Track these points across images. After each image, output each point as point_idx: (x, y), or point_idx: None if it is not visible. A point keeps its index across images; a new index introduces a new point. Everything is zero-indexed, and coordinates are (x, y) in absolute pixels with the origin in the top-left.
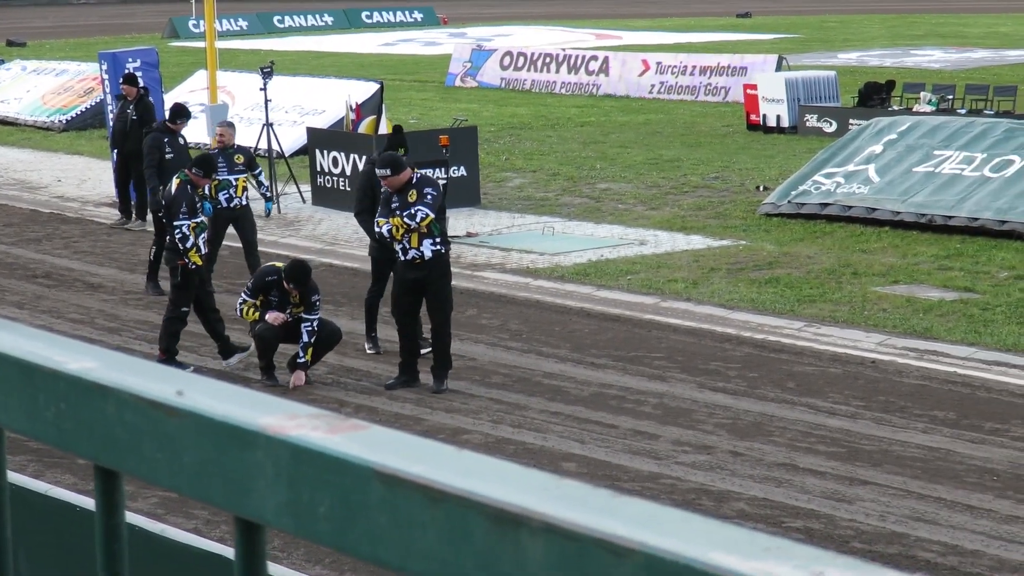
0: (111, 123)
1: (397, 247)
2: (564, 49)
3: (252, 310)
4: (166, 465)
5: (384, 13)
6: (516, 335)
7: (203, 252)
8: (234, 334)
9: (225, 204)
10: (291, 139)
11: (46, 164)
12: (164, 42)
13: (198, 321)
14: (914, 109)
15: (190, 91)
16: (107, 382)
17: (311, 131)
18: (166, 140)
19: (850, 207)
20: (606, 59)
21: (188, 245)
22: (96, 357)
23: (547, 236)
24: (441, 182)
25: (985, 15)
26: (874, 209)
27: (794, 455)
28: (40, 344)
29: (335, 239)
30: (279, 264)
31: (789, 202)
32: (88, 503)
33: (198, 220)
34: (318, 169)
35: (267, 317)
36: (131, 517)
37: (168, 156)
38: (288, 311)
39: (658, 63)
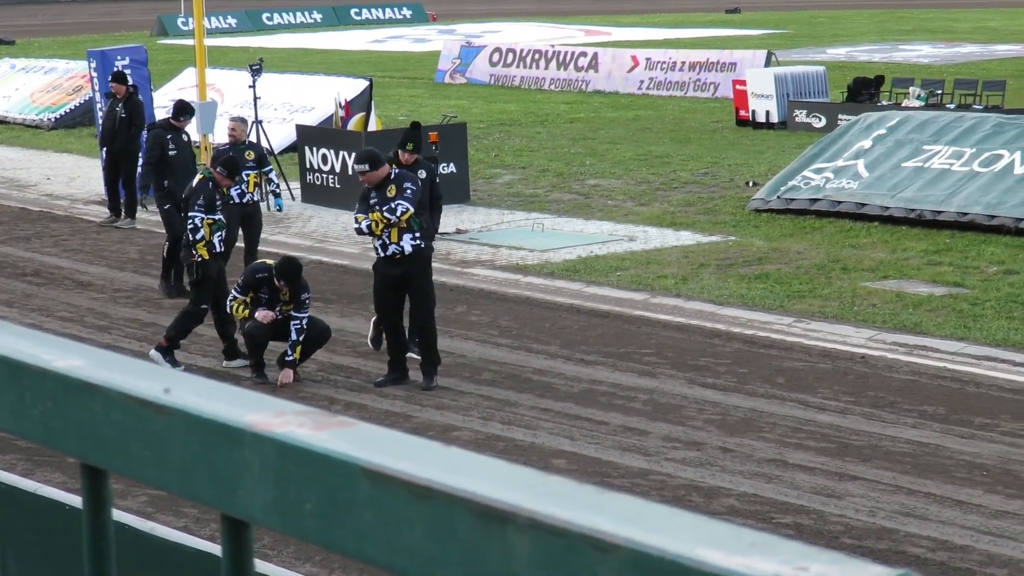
0: (100, 121)
1: (377, 243)
2: (553, 45)
3: (242, 307)
4: (153, 463)
5: (373, 10)
6: (506, 332)
7: (219, 251)
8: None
9: (237, 199)
10: (280, 136)
11: (35, 162)
12: (153, 40)
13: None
14: (903, 104)
15: (179, 89)
16: (94, 380)
17: (300, 128)
18: (169, 137)
19: (839, 202)
20: (595, 55)
21: (197, 237)
22: (83, 355)
23: (536, 232)
24: None
25: (974, 10)
26: (863, 204)
27: (784, 451)
28: (27, 342)
29: (324, 236)
30: (269, 261)
31: (778, 197)
32: (77, 501)
33: (215, 217)
34: (307, 166)
35: (256, 315)
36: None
37: (172, 152)
38: (278, 309)
39: (647, 59)
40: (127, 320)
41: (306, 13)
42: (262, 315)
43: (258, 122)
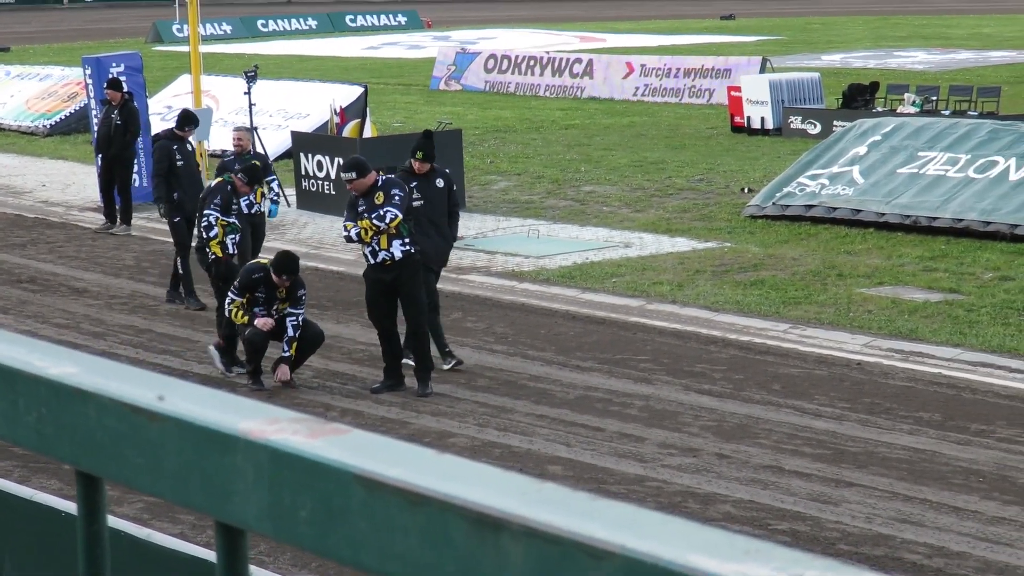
0: (95, 128)
1: (367, 250)
2: (548, 52)
3: (240, 312)
4: (147, 470)
5: (368, 17)
6: (502, 338)
7: (231, 252)
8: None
9: (246, 210)
10: (275, 143)
11: (30, 169)
12: (148, 47)
13: (195, 327)
14: (898, 110)
15: (174, 95)
16: (88, 387)
17: (295, 135)
18: (175, 148)
19: (835, 209)
20: (590, 62)
21: (212, 235)
22: (77, 362)
23: (532, 239)
24: None
25: (968, 16)
26: (859, 211)
27: (780, 457)
28: (21, 349)
29: (320, 243)
30: (263, 261)
31: (774, 204)
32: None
33: (230, 220)
34: (303, 173)
35: (256, 323)
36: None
37: (179, 163)
38: (274, 308)
39: (642, 65)
40: (122, 326)
41: (301, 20)
42: (262, 323)
43: (253, 129)
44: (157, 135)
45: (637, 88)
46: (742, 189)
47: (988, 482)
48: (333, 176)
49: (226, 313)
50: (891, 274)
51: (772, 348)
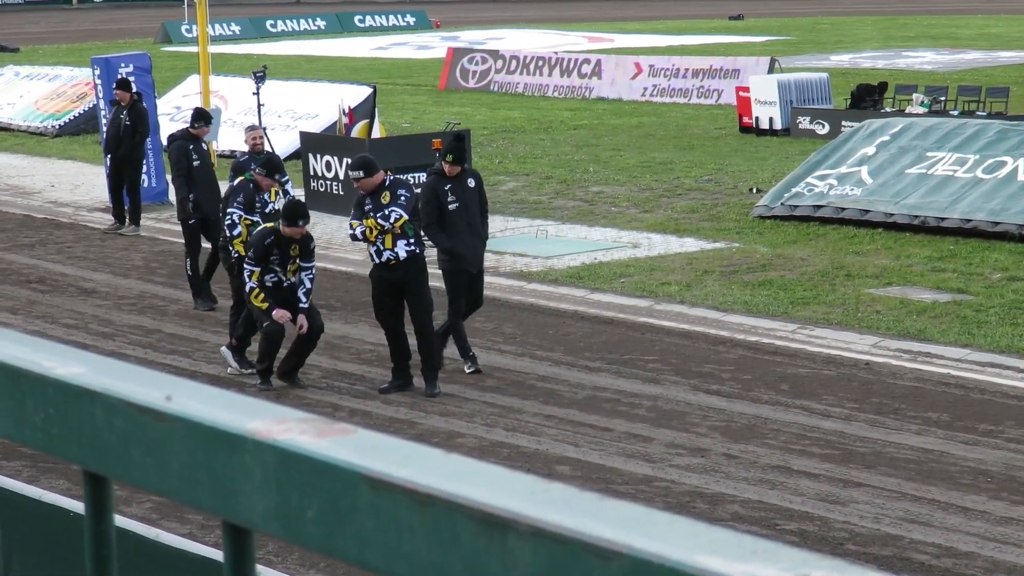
0: (104, 128)
1: (372, 249)
2: (556, 52)
3: (261, 294)
4: (154, 470)
5: (377, 17)
6: (510, 338)
7: (268, 287)
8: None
9: (260, 209)
10: (284, 143)
11: (39, 169)
12: (157, 47)
13: (204, 327)
14: (907, 111)
15: (183, 96)
16: (95, 387)
17: (304, 135)
18: (191, 147)
19: (843, 209)
20: (599, 62)
21: (234, 233)
22: (84, 362)
23: (540, 239)
24: None
25: (977, 16)
26: (867, 211)
27: (788, 457)
28: (28, 349)
29: (329, 243)
30: (269, 225)
31: (782, 204)
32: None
33: (253, 218)
34: (311, 173)
35: (274, 315)
36: (125, 522)
37: (195, 163)
38: (290, 266)
39: (651, 66)
40: (131, 327)
41: (310, 20)
42: (279, 315)
43: (262, 129)
44: (173, 135)
45: (645, 88)
46: (750, 189)
47: (996, 482)
48: (342, 176)
49: (247, 293)
50: (899, 274)
51: (780, 348)
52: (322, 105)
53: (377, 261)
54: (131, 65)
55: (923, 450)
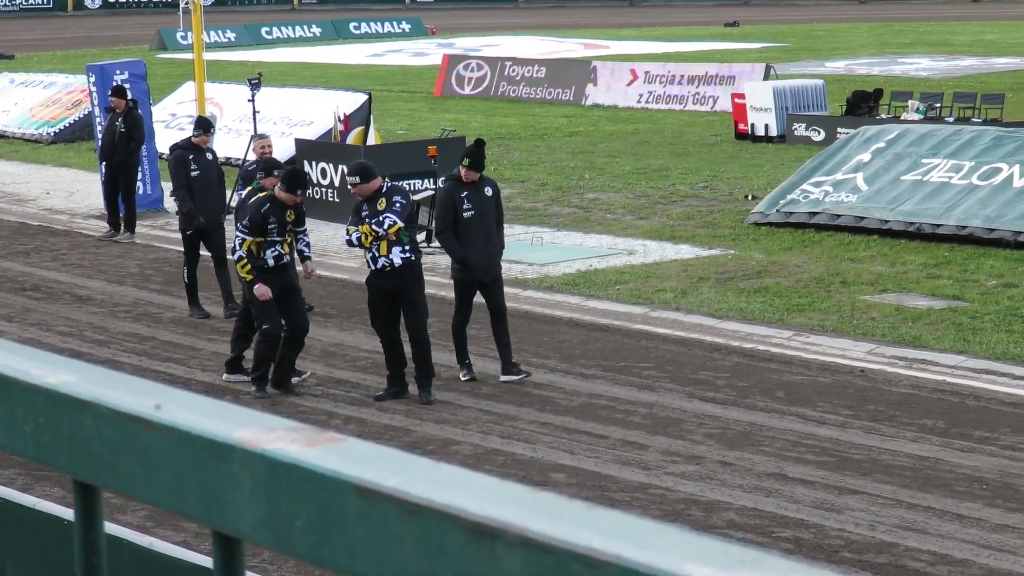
0: (99, 135)
1: (367, 255)
2: (552, 59)
3: (248, 264)
4: (143, 479)
5: (372, 24)
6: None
7: (270, 265)
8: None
9: (276, 229)
10: (279, 150)
11: (34, 176)
12: (152, 54)
13: (199, 335)
14: (902, 117)
15: (178, 103)
16: (85, 396)
17: (299, 142)
18: (191, 157)
19: (838, 216)
20: (594, 68)
21: (234, 258)
22: (75, 371)
23: (536, 246)
24: (429, 192)
25: (972, 23)
26: (862, 218)
27: (783, 464)
28: (18, 358)
29: (324, 250)
30: (262, 194)
31: (778, 211)
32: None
33: (266, 239)
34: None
35: (256, 291)
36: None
37: (194, 173)
38: (285, 237)
39: (646, 72)
40: (126, 334)
41: (305, 27)
42: (260, 290)
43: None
44: (174, 145)
45: (641, 95)
46: (746, 196)
47: (991, 489)
48: (337, 183)
49: (235, 260)
50: (895, 281)
51: (776, 355)
52: (317, 112)
53: (373, 268)
54: (126, 72)
55: (918, 457)
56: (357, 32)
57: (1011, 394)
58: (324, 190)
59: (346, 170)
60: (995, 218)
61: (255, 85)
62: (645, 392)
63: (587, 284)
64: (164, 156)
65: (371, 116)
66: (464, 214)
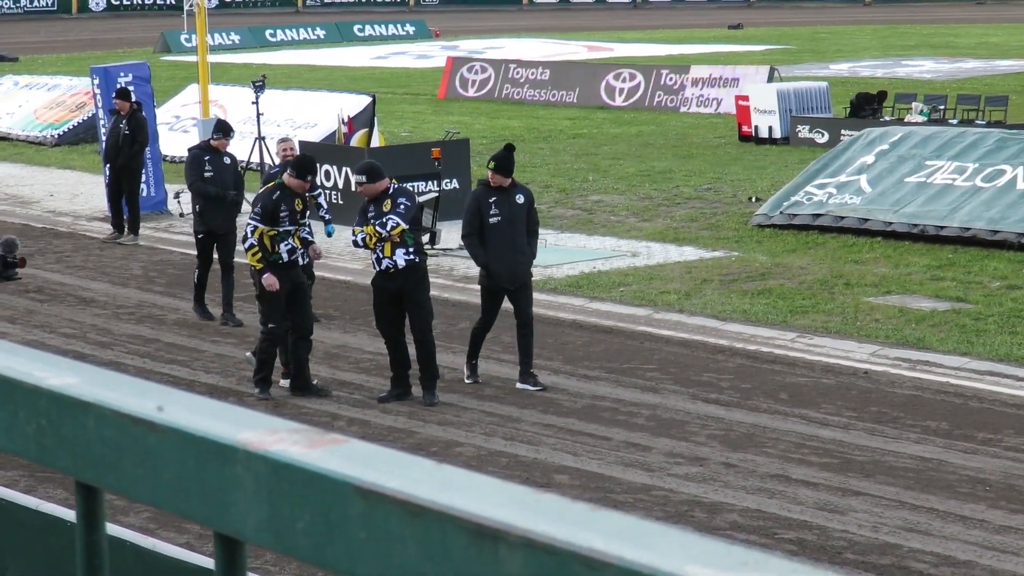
0: (103, 138)
1: (372, 257)
2: (556, 61)
3: (259, 252)
4: (146, 481)
5: (376, 26)
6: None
7: (284, 260)
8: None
9: (288, 218)
10: None
11: (38, 179)
12: (156, 56)
13: (203, 336)
14: (906, 119)
15: (182, 105)
16: (88, 398)
17: (303, 145)
18: (206, 159)
19: (842, 218)
20: (598, 71)
21: (245, 246)
22: (77, 373)
23: (539, 248)
24: (433, 194)
25: (976, 25)
26: (866, 220)
27: (787, 466)
28: (21, 359)
29: (327, 252)
30: (272, 183)
31: (781, 213)
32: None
33: (279, 229)
34: None
35: (264, 282)
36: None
37: (207, 175)
38: (295, 226)
39: (650, 74)
40: (130, 336)
41: (309, 29)
42: (268, 280)
43: (261, 139)
44: (192, 147)
45: (644, 97)
46: (750, 198)
47: (995, 491)
48: (341, 186)
49: (245, 248)
50: (898, 283)
51: (779, 357)
52: (321, 114)
53: (378, 269)
54: (130, 74)
55: (922, 459)
56: (361, 34)
57: (1015, 396)
58: (328, 192)
59: (353, 169)
60: (999, 220)
61: (259, 87)
62: (649, 394)
63: (591, 286)
64: (169, 159)
65: (375, 118)
66: (490, 219)
